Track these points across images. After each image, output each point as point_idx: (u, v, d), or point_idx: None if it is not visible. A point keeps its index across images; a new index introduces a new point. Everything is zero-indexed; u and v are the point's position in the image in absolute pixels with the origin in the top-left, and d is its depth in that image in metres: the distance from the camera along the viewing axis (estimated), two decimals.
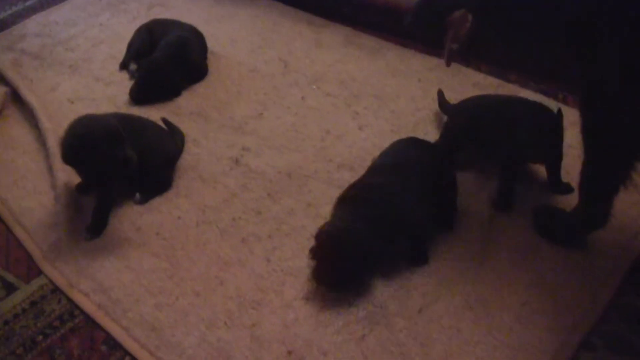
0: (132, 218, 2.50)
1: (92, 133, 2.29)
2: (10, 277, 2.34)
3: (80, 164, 2.39)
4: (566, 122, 2.40)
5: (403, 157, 2.37)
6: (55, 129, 2.85)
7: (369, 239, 2.12)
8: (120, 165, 2.29)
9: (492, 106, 2.61)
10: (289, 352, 2.05)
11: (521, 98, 2.74)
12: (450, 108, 2.78)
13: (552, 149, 2.43)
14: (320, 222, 2.36)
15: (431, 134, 2.75)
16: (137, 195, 2.55)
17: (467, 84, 3.02)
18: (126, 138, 2.31)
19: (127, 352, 2.10)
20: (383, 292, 2.20)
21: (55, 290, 2.29)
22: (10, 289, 2.31)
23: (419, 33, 2.87)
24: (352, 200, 2.21)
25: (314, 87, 3.09)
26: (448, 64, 2.29)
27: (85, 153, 2.29)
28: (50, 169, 2.71)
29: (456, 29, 2.18)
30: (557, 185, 2.49)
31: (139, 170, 2.35)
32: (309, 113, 2.93)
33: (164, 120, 2.85)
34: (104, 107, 3.03)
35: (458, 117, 2.66)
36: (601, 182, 2.16)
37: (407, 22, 2.30)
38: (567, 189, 2.47)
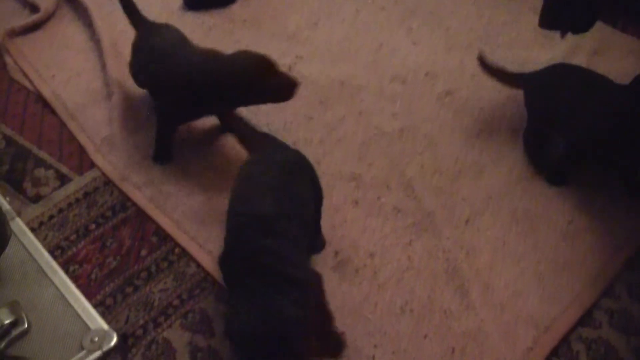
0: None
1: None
2: (64, 169, 2.38)
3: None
4: (621, 51, 2.35)
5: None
6: (108, 29, 2.86)
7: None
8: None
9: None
10: (336, 253, 2.09)
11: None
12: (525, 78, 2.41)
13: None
14: (372, 131, 2.38)
15: (485, 52, 2.73)
16: None
17: (524, 7, 2.96)
18: None
19: (176, 244, 2.15)
20: (432, 201, 2.22)
21: (108, 182, 2.33)
22: (64, 179, 2.35)
23: None
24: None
25: (369, 0, 3.06)
26: None
27: None
28: (103, 67, 2.73)
29: None
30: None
31: None
32: (362, 26, 2.91)
33: None
34: (156, 10, 3.01)
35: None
36: None
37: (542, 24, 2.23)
38: None
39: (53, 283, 1.37)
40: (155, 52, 2.31)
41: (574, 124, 2.16)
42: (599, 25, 2.75)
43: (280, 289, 1.61)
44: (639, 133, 2.01)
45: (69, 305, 1.34)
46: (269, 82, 2.08)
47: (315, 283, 1.71)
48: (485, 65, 2.46)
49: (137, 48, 2.43)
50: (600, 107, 2.10)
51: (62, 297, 1.35)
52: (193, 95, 2.17)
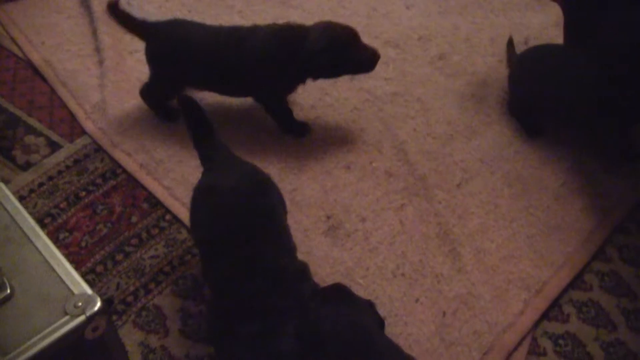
0: None
1: None
2: (54, 136, 2.37)
3: None
4: None
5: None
6: None
7: None
8: None
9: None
10: (328, 217, 2.08)
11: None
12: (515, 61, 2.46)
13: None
14: (364, 95, 2.37)
15: (478, 16, 2.72)
16: None
17: None
18: None
19: (167, 210, 2.14)
20: (424, 165, 2.21)
21: (99, 149, 2.32)
22: (55, 147, 2.34)
23: None
24: None
25: None
26: None
27: None
28: (94, 32, 2.71)
29: None
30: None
31: None
32: None
33: None
34: None
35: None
36: None
37: None
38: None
39: (37, 248, 1.36)
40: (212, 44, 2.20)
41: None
42: None
43: (275, 327, 1.55)
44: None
45: (53, 270, 1.32)
46: (355, 53, 2.12)
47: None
48: None
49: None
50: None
51: (46, 262, 1.33)
52: (284, 71, 2.16)
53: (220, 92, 2.34)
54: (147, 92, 2.35)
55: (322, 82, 2.39)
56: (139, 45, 2.57)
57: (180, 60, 2.20)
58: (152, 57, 2.26)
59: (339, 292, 1.63)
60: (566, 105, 2.15)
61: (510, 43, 2.55)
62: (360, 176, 2.19)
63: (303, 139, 2.31)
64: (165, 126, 2.35)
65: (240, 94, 2.32)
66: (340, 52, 2.10)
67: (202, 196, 1.76)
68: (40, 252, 1.36)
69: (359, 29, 2.41)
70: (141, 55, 2.50)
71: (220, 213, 1.69)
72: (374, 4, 2.80)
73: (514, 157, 2.22)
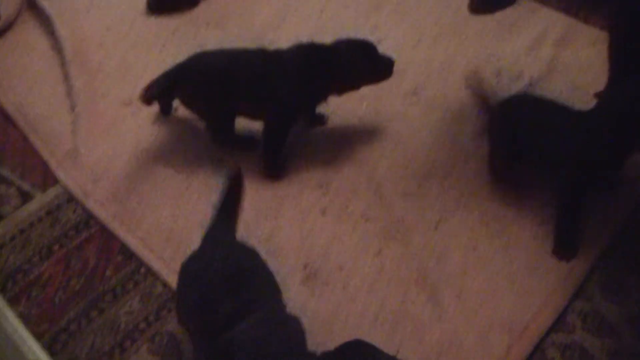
0: (148, 128, 2.47)
1: None
2: (26, 186, 2.34)
3: None
4: (585, 41, 2.33)
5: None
6: (70, 37, 2.82)
7: None
8: None
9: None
10: (305, 265, 2.06)
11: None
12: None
13: None
14: (338, 135, 2.36)
15: (451, 47, 2.70)
16: None
17: None
18: None
19: (142, 263, 2.11)
20: (401, 206, 2.18)
21: (71, 199, 2.29)
22: (26, 197, 2.31)
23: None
24: None
25: None
26: None
27: None
28: (66, 76, 2.69)
29: None
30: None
31: None
32: (328, 24, 2.87)
33: None
34: (120, 14, 2.99)
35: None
36: None
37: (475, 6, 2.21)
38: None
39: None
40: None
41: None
42: (562, 16, 2.75)
43: None
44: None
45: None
46: (374, 63, 2.25)
47: None
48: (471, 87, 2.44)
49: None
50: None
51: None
52: (309, 86, 2.24)
53: (251, 115, 2.33)
54: (216, 134, 2.36)
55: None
56: (111, 89, 2.58)
57: (223, 86, 2.23)
58: (194, 95, 2.30)
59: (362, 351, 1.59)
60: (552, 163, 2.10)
61: (473, 79, 2.48)
62: (337, 220, 2.16)
63: (278, 181, 2.28)
64: (138, 174, 2.32)
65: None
66: (367, 59, 2.23)
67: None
68: None
69: None
70: (114, 99, 2.50)
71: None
72: None
73: (491, 196, 2.20)
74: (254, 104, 2.28)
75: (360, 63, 2.23)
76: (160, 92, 2.28)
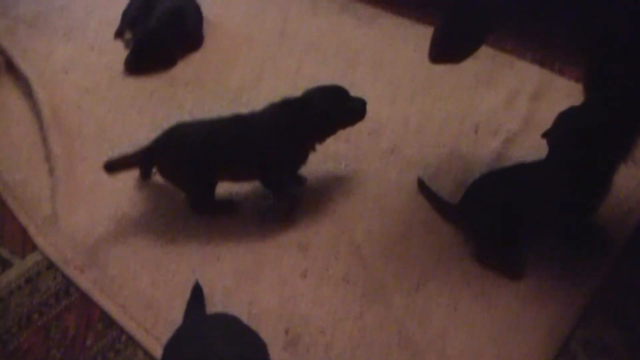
0: (128, 193, 2.47)
1: None
2: (5, 253, 2.32)
3: None
4: (561, 94, 2.36)
5: None
6: (49, 99, 2.82)
7: None
8: None
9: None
10: (286, 330, 2.04)
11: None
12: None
13: None
14: (317, 196, 2.38)
15: (427, 104, 2.73)
16: None
17: None
18: None
19: (123, 330, 2.09)
20: (381, 269, 2.18)
21: (51, 266, 2.27)
22: (5, 265, 2.29)
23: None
24: None
25: (310, 56, 3.04)
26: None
27: None
28: (44, 140, 2.69)
29: None
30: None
31: None
32: (304, 82, 2.84)
33: None
34: (98, 77, 3.01)
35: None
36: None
37: (434, 55, 2.24)
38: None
39: None
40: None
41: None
42: (537, 69, 2.79)
43: None
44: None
45: None
46: (346, 106, 2.29)
47: None
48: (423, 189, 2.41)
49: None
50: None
51: None
52: (296, 138, 2.28)
53: (234, 179, 2.38)
54: (197, 203, 2.37)
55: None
56: (90, 152, 2.58)
57: (205, 157, 2.25)
58: (174, 170, 2.31)
59: None
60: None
61: (422, 185, 2.42)
62: (317, 284, 2.16)
63: (259, 243, 2.28)
64: (118, 240, 2.31)
65: (253, 176, 2.37)
66: (340, 103, 2.28)
67: None
68: None
69: None
70: (93, 163, 2.49)
71: None
72: None
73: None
74: (242, 169, 2.32)
75: (333, 108, 2.26)
76: (138, 166, 2.34)
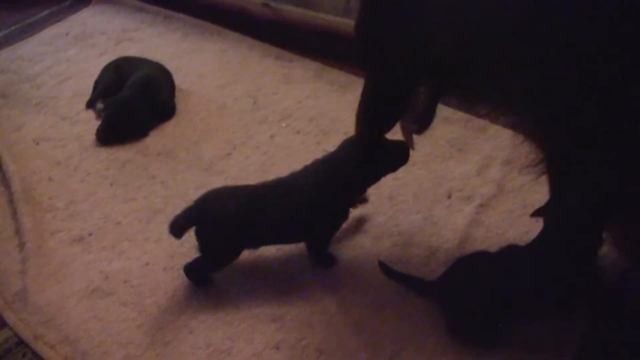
0: (99, 266, 2.45)
1: None
2: None
3: None
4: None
5: None
6: (19, 171, 2.81)
7: None
8: None
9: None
10: None
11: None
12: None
13: None
14: (291, 267, 2.35)
15: (400, 170, 2.71)
16: None
17: (436, 118, 2.98)
18: None
19: None
20: (354, 340, 2.16)
21: (20, 342, 2.24)
22: None
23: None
24: None
25: (283, 124, 3.06)
26: (413, 147, 2.32)
27: None
28: (14, 213, 2.67)
29: (412, 110, 2.18)
30: None
31: None
32: (278, 152, 2.90)
33: None
34: (69, 148, 3.01)
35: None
36: None
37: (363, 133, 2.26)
38: None
39: None
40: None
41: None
42: (510, 134, 2.79)
43: None
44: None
45: None
46: (386, 151, 2.27)
47: None
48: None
49: None
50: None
51: None
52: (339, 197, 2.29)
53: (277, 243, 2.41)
54: (203, 271, 2.36)
55: (247, 254, 2.37)
56: (61, 226, 2.57)
57: (238, 225, 2.24)
58: (212, 234, 2.27)
59: None
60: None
61: (386, 268, 2.35)
62: (291, 356, 2.13)
63: (231, 316, 2.26)
64: (89, 314, 2.30)
65: (298, 239, 2.38)
66: (383, 153, 2.26)
67: None
68: None
69: None
70: (64, 236, 2.48)
71: None
72: (296, 166, 2.74)
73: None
74: (287, 235, 2.35)
75: (377, 160, 2.27)
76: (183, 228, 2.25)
